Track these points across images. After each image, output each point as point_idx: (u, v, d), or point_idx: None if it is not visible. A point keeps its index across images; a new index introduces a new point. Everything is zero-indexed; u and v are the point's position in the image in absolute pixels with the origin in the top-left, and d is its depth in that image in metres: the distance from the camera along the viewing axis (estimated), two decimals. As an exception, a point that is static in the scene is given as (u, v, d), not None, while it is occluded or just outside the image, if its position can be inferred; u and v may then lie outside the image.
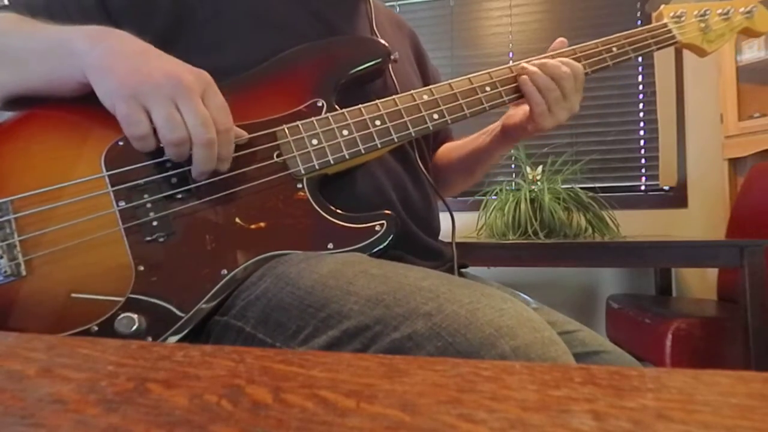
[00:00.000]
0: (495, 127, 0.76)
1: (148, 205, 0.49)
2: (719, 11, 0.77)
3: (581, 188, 1.67)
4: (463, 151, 0.81)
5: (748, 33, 0.81)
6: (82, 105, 0.50)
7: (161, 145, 0.48)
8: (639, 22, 2.10)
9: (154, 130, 0.47)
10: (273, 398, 0.17)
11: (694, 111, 2.01)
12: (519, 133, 0.71)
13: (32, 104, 0.51)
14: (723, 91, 1.84)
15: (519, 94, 0.65)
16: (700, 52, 0.78)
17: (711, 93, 1.95)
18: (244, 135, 0.53)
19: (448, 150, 0.85)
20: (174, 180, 0.51)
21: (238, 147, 0.53)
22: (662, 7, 0.77)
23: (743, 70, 1.80)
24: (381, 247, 0.53)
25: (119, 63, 0.47)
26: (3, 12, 0.56)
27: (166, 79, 0.46)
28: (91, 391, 0.18)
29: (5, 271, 0.45)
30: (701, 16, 0.76)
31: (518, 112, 0.70)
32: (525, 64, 0.66)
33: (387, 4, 2.30)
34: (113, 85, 0.47)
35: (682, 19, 0.76)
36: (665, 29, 0.75)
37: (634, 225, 1.96)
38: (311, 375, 0.19)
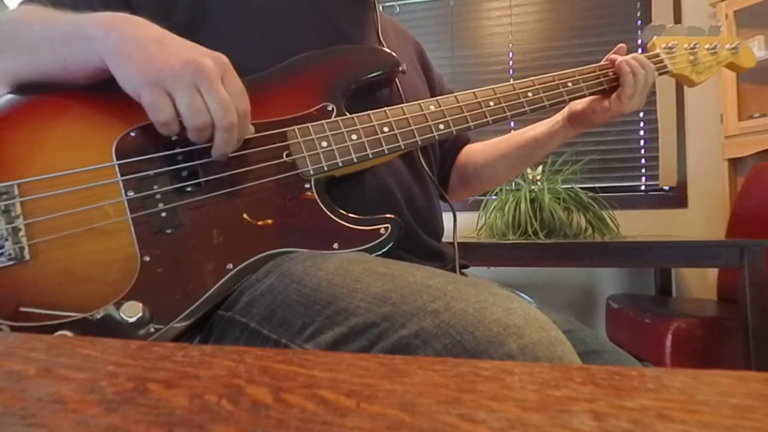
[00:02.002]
0: (555, 119, 0.81)
1: (158, 197, 0.49)
2: (707, 46, 0.83)
3: (581, 188, 1.67)
4: (509, 146, 0.84)
5: (733, 68, 0.87)
6: (94, 93, 0.51)
7: (184, 130, 0.48)
8: (639, 23, 2.10)
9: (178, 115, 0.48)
10: (273, 398, 0.17)
11: (694, 111, 2.01)
12: (596, 117, 0.78)
13: (45, 90, 0.51)
14: (723, 91, 1.84)
15: (521, 111, 0.68)
16: (689, 83, 0.84)
17: (711, 93, 1.95)
18: (251, 129, 0.53)
19: (477, 150, 0.88)
20: (184, 173, 0.51)
21: (249, 144, 0.53)
22: (654, 38, 0.82)
23: (743, 70, 1.80)
24: (384, 250, 0.54)
25: (137, 50, 0.47)
26: (26, 5, 0.57)
27: (185, 65, 0.47)
28: (91, 391, 0.18)
29: (9, 254, 0.45)
30: (691, 49, 0.82)
31: (581, 102, 0.77)
32: (617, 56, 0.77)
33: (387, 4, 2.30)
34: (133, 72, 0.47)
35: (673, 50, 0.81)
36: (658, 59, 0.80)
37: (634, 225, 1.96)
38: (311, 375, 0.19)
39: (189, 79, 0.46)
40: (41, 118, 0.50)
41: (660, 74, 0.79)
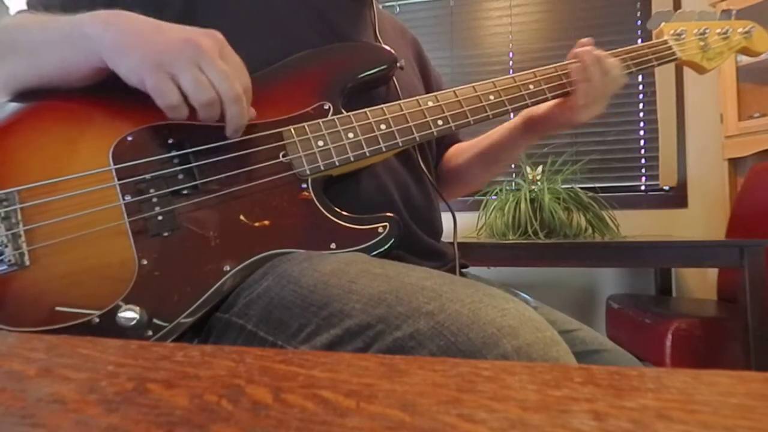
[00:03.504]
0: (514, 122, 0.77)
1: (154, 200, 0.50)
2: (718, 30, 0.79)
3: (581, 188, 1.67)
4: (480, 148, 0.81)
5: (747, 52, 0.83)
6: (91, 98, 0.51)
7: (194, 111, 0.49)
8: (639, 23, 2.10)
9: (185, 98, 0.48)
10: (273, 398, 0.17)
11: (694, 111, 2.01)
12: (549, 127, 0.72)
13: (42, 97, 0.52)
14: (723, 91, 1.84)
15: (522, 104, 0.67)
16: (700, 70, 0.80)
17: (711, 93, 1.95)
18: (254, 113, 0.53)
19: (462, 149, 0.85)
20: (181, 176, 0.51)
21: (245, 145, 0.53)
22: (663, 24, 0.79)
23: (743, 70, 1.80)
24: (383, 249, 0.54)
25: (135, 39, 0.48)
26: (22, 12, 0.58)
27: (184, 44, 0.47)
28: (91, 391, 0.18)
29: (9, 260, 0.45)
30: (701, 34, 0.78)
31: (542, 106, 0.71)
32: (581, 52, 0.67)
33: (387, 4, 2.30)
34: (135, 61, 0.48)
35: (682, 36, 0.78)
36: (666, 46, 0.76)
37: (634, 225, 1.96)
38: (311, 375, 0.19)
39: (190, 57, 0.47)
40: (39, 125, 0.50)
41: (669, 62, 0.76)
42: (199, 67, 0.47)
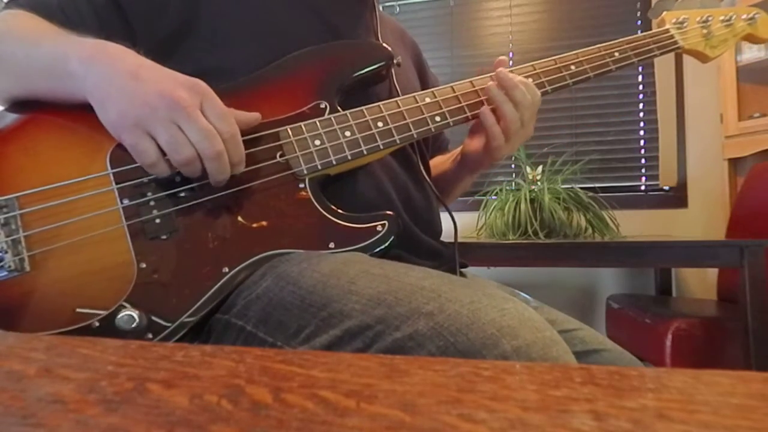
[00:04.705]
0: (457, 153, 0.75)
1: (152, 203, 0.50)
2: (722, 18, 0.78)
3: (581, 188, 1.67)
4: (437, 172, 0.79)
5: (751, 39, 0.81)
6: (88, 106, 0.51)
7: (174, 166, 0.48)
8: (639, 22, 2.10)
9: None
10: (273, 398, 0.17)
11: (694, 111, 2.01)
12: (477, 166, 0.72)
13: (39, 105, 0.52)
14: (723, 91, 1.84)
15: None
16: (703, 58, 0.79)
17: (711, 93, 1.94)
18: (257, 116, 0.53)
19: (433, 165, 0.82)
20: (177, 178, 0.51)
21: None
22: (664, 13, 0.78)
23: (743, 70, 1.80)
24: (382, 247, 0.54)
25: (114, 90, 0.47)
26: (15, 8, 0.56)
27: (160, 100, 0.46)
28: (91, 391, 0.18)
29: (9, 266, 0.45)
30: (703, 22, 0.77)
31: (475, 142, 0.68)
32: (492, 89, 0.62)
33: (387, 4, 2.30)
34: (113, 117, 0.47)
35: (685, 25, 0.76)
36: (668, 35, 0.75)
37: (634, 225, 1.95)
38: (311, 375, 0.19)
39: (166, 115, 0.46)
40: (38, 132, 0.50)
41: (671, 50, 0.75)
42: (177, 125, 0.46)
